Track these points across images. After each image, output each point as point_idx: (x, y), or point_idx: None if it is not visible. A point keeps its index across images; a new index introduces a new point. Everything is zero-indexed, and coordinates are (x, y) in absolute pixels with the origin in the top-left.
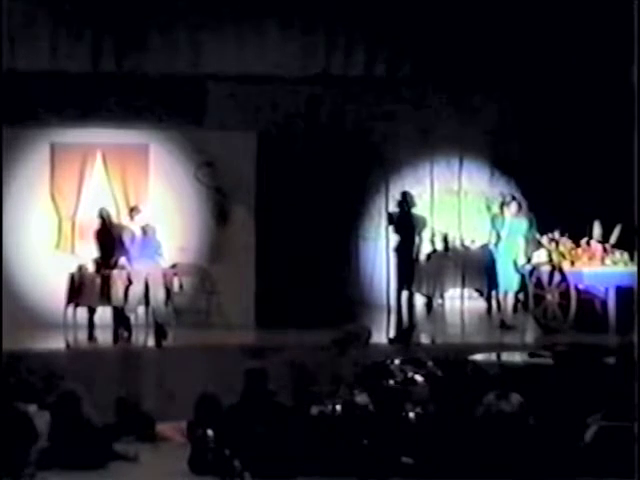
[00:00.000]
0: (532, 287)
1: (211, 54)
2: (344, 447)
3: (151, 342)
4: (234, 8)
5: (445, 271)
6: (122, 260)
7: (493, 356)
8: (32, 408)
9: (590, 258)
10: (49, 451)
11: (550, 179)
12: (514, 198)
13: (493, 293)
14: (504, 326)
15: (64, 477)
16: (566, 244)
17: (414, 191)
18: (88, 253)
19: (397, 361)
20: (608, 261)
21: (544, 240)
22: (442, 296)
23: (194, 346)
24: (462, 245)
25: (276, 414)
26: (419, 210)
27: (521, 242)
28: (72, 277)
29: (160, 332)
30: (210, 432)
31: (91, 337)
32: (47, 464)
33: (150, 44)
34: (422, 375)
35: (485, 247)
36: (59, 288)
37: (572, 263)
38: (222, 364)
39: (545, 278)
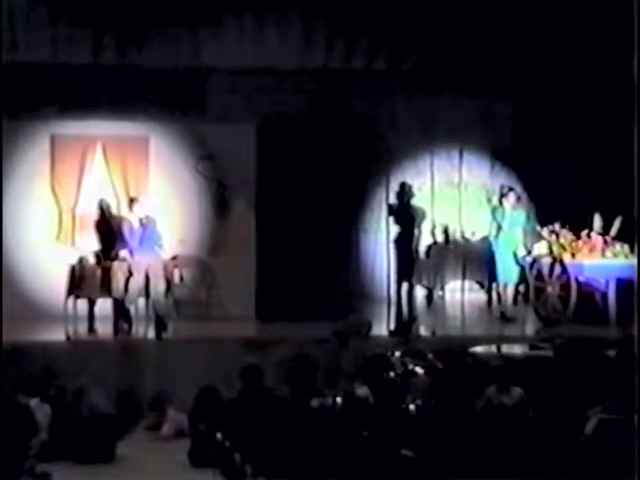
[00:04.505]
0: (532, 279)
1: (211, 47)
2: (344, 439)
3: (151, 334)
4: (234, 1)
5: (445, 263)
6: (122, 252)
7: (493, 348)
8: (32, 401)
9: (590, 250)
10: (52, 443)
11: (550, 171)
12: (512, 189)
13: (493, 285)
14: (504, 318)
15: (66, 470)
16: (566, 236)
17: (415, 183)
18: (88, 245)
19: (397, 353)
20: (608, 253)
21: (544, 232)
22: (442, 288)
23: (194, 338)
24: (463, 237)
25: (276, 407)
26: (419, 202)
27: (520, 234)
28: (72, 269)
29: (160, 324)
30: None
31: (91, 329)
32: (49, 456)
33: (150, 36)
34: (422, 367)
35: (485, 239)
36: (59, 280)
37: (572, 255)
38: (222, 356)
39: (545, 270)
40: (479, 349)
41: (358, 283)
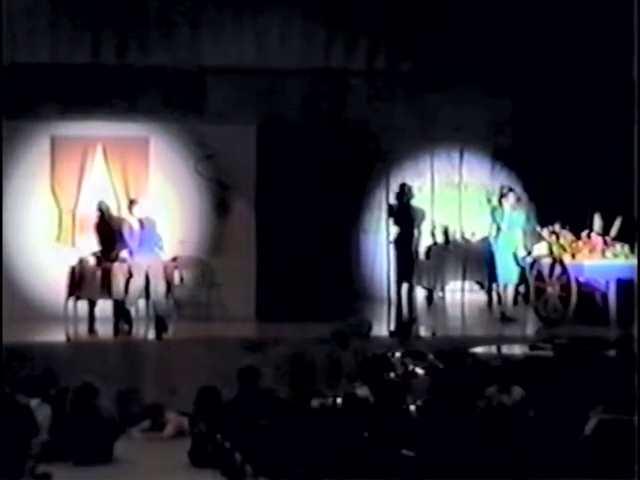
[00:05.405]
0: (533, 280)
1: (211, 47)
2: (344, 439)
3: (152, 335)
4: (234, 0)
5: (446, 264)
6: (123, 253)
7: (494, 349)
8: (33, 401)
9: (591, 251)
10: (54, 444)
11: (551, 172)
12: (512, 190)
13: (493, 286)
14: (505, 319)
15: (67, 471)
16: (567, 237)
17: (415, 184)
18: (89, 246)
19: (398, 354)
20: (609, 254)
21: (545, 233)
22: (443, 289)
23: (195, 339)
24: (463, 238)
25: (277, 407)
26: (419, 203)
27: (520, 234)
28: (73, 270)
29: (161, 325)
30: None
31: (92, 330)
32: (51, 457)
33: (151, 36)
34: (423, 368)
35: (486, 240)
36: (60, 281)
37: (573, 256)
38: (223, 357)
39: (546, 271)
40: (479, 349)
41: (358, 283)
